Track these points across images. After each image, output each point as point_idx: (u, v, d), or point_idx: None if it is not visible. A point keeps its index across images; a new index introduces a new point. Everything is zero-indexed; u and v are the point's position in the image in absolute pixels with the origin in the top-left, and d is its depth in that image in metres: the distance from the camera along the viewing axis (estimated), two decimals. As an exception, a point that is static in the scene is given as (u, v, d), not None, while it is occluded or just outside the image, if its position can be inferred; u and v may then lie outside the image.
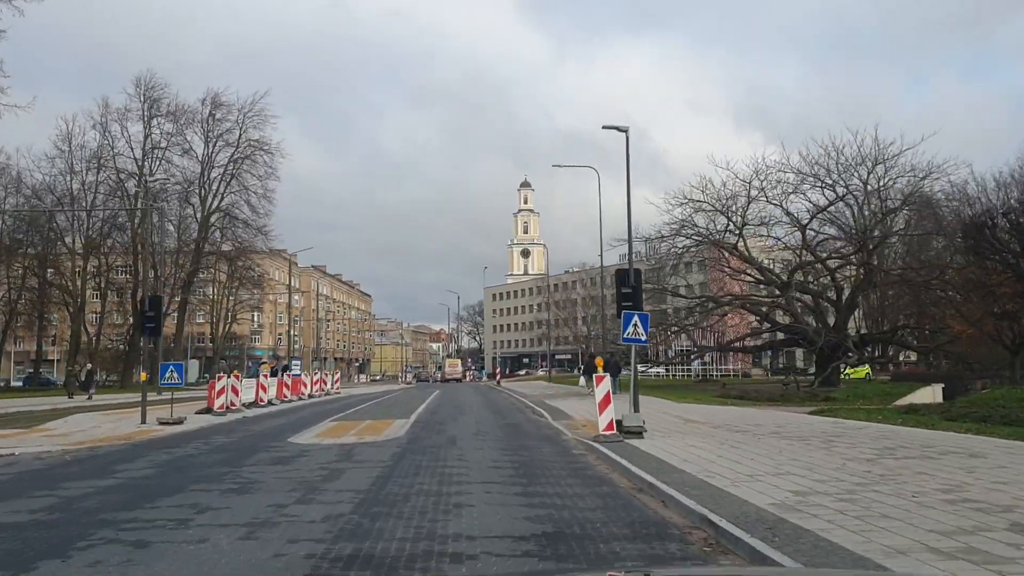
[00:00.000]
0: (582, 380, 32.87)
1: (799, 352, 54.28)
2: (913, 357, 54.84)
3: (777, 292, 37.81)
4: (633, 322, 14.17)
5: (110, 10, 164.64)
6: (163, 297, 26.30)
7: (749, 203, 37.22)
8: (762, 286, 40.49)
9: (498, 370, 56.83)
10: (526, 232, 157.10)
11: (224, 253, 54.14)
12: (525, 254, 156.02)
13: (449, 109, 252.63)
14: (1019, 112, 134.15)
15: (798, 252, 38.34)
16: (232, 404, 23.82)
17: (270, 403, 27.78)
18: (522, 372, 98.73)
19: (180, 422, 18.62)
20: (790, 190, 36.55)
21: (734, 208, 37.12)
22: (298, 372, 39.84)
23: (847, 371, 66.03)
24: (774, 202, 36.52)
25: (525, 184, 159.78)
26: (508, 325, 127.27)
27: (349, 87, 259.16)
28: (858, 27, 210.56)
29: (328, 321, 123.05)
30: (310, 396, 34.57)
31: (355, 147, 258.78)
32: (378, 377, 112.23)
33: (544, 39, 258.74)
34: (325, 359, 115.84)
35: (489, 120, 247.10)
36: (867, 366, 68.93)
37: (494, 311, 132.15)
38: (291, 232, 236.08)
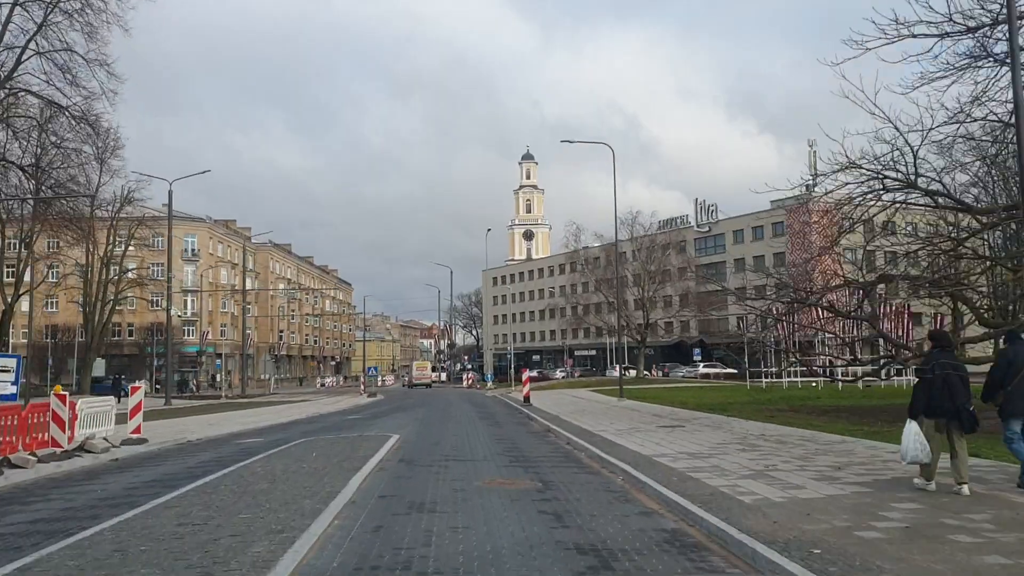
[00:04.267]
0: (920, 435, 7.54)
1: None
2: None
3: None
4: None
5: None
6: None
7: None
8: None
9: (527, 376, 29.88)
10: (529, 211, 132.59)
11: (26, 170, 28.82)
12: (528, 236, 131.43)
13: (433, 101, 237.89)
14: None
15: None
16: None
17: None
18: (534, 373, 73.53)
19: None
20: None
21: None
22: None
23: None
24: None
25: (527, 157, 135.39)
26: (514, 315, 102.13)
27: (331, 80, 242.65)
28: (849, 8, 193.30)
29: (294, 311, 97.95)
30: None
31: (339, 142, 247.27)
32: (328, 382, 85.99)
33: (530, 26, 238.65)
34: (279, 356, 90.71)
35: (474, 112, 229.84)
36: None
37: (495, 299, 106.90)
38: (283, 232, 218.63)
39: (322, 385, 79.04)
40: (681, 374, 60.34)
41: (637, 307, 54.03)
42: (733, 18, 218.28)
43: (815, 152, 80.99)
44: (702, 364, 58.53)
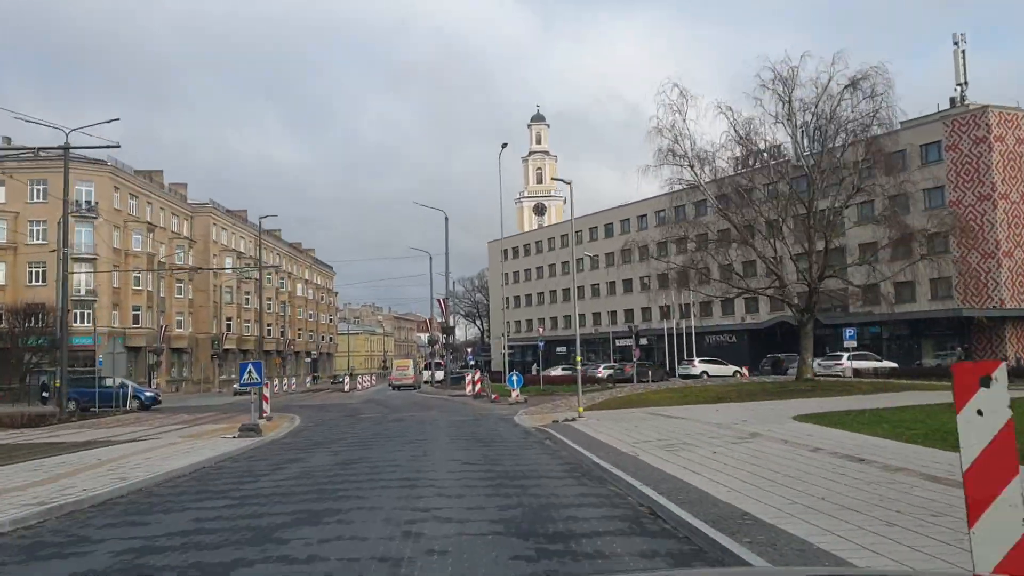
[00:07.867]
0: None
1: None
2: None
3: None
4: None
5: None
6: None
7: None
8: None
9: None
10: (540, 182, 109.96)
11: None
12: (539, 210, 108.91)
13: (430, 94, 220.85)
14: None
15: None
16: None
17: None
18: (558, 370, 50.92)
19: None
20: None
21: None
22: None
23: None
24: None
25: (538, 118, 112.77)
26: (532, 297, 79.39)
27: (327, 73, 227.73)
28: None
29: (248, 293, 75.15)
30: None
31: (335, 137, 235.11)
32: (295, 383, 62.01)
33: (529, 16, 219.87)
34: (220, 352, 68.00)
35: (472, 105, 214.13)
36: None
37: (507, 277, 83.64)
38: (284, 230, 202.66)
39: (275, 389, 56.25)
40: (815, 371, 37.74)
41: (779, 267, 28.89)
42: (735, 4, 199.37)
43: (963, 52, 58.08)
44: (846, 355, 35.91)
